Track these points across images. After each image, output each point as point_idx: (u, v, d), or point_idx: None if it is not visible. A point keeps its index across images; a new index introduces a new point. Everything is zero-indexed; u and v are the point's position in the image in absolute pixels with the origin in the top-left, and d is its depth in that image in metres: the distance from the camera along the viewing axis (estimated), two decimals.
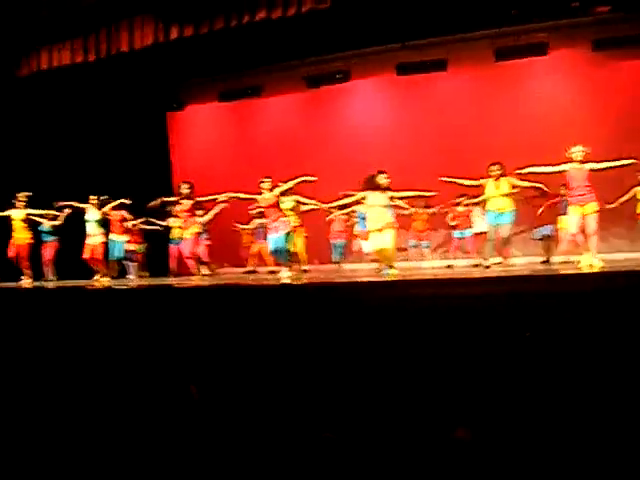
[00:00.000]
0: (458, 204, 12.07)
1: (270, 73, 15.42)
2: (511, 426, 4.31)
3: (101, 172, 11.88)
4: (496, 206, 9.47)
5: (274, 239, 9.66)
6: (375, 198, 9.11)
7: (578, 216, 8.41)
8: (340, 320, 5.98)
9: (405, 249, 11.47)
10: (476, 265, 11.37)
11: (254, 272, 13.42)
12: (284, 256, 9.78)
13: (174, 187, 12.08)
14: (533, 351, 4.97)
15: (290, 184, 9.80)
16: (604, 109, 12.84)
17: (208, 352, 5.98)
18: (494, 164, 9.54)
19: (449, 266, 11.94)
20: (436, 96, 14.50)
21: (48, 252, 12.60)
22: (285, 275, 9.48)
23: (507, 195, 9.42)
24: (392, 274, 8.98)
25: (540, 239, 11.69)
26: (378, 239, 9.15)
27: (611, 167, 8.28)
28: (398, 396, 4.82)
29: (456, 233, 12.38)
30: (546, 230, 11.47)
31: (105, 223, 11.84)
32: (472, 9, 12.03)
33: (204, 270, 11.77)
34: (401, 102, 14.92)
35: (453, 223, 12.48)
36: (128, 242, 12.88)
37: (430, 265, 12.37)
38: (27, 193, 11.68)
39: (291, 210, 11.02)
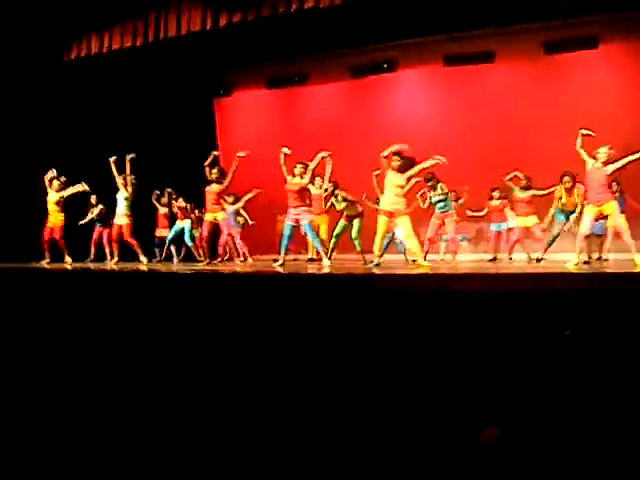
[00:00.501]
0: (492, 198, 12.04)
1: (316, 61, 15.44)
2: (538, 426, 4.29)
3: (148, 157, 11.97)
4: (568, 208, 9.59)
5: (292, 227, 9.92)
6: (391, 178, 8.98)
7: (592, 216, 8.30)
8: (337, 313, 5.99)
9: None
10: (493, 259, 11.75)
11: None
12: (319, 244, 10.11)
13: None
14: (564, 350, 4.94)
15: (311, 166, 9.82)
16: None
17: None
18: (566, 175, 9.57)
19: (493, 259, 11.85)
20: (483, 88, 14.35)
21: (100, 235, 12.93)
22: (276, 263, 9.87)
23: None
24: (421, 265, 8.86)
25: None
26: (383, 225, 9.04)
27: (629, 162, 8.17)
28: (421, 394, 4.82)
29: (493, 226, 12.29)
30: (596, 228, 11.21)
31: (135, 203, 11.94)
32: (522, 0, 11.90)
33: (242, 257, 12.05)
34: (447, 93, 14.82)
35: (473, 214, 12.49)
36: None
37: (468, 258, 12.22)
38: (63, 178, 11.91)
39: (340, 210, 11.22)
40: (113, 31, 13.07)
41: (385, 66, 15.00)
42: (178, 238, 13.30)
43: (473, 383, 4.88)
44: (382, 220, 8.97)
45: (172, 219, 13.47)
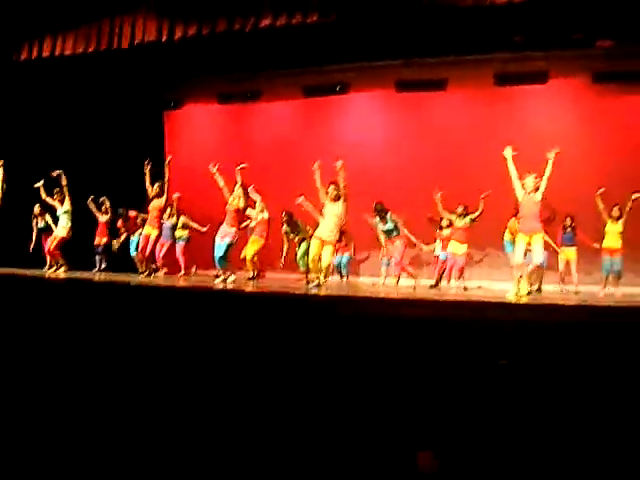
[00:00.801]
0: (441, 227, 12.12)
1: (270, 78, 15.41)
2: (472, 454, 4.30)
3: (93, 165, 11.84)
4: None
5: (218, 245, 10.28)
6: (330, 208, 9.36)
7: (524, 245, 8.42)
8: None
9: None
10: (434, 285, 11.92)
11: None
12: (222, 263, 10.41)
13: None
14: (504, 379, 4.97)
15: (238, 182, 10.38)
16: (599, 141, 12.89)
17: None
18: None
19: (435, 285, 11.91)
20: (434, 115, 14.49)
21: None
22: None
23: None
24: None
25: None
26: (317, 249, 9.39)
27: (548, 177, 8.40)
28: (355, 418, 4.80)
29: (441, 255, 12.33)
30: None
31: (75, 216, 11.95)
32: (476, 32, 12.04)
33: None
34: (398, 118, 14.91)
35: (428, 248, 12.66)
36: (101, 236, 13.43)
37: (408, 284, 12.07)
38: None
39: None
40: (66, 35, 12.87)
41: (338, 88, 15.03)
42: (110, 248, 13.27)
43: (407, 409, 4.88)
44: (316, 243, 9.40)
45: (112, 228, 13.36)
